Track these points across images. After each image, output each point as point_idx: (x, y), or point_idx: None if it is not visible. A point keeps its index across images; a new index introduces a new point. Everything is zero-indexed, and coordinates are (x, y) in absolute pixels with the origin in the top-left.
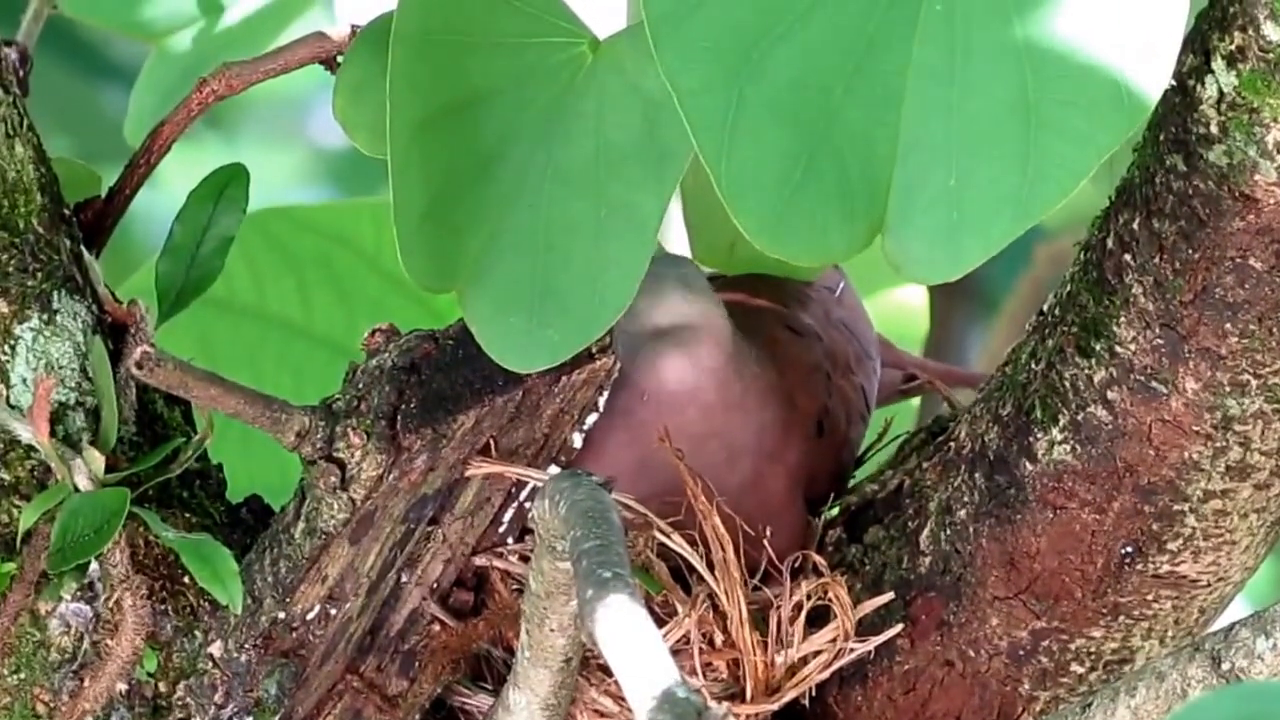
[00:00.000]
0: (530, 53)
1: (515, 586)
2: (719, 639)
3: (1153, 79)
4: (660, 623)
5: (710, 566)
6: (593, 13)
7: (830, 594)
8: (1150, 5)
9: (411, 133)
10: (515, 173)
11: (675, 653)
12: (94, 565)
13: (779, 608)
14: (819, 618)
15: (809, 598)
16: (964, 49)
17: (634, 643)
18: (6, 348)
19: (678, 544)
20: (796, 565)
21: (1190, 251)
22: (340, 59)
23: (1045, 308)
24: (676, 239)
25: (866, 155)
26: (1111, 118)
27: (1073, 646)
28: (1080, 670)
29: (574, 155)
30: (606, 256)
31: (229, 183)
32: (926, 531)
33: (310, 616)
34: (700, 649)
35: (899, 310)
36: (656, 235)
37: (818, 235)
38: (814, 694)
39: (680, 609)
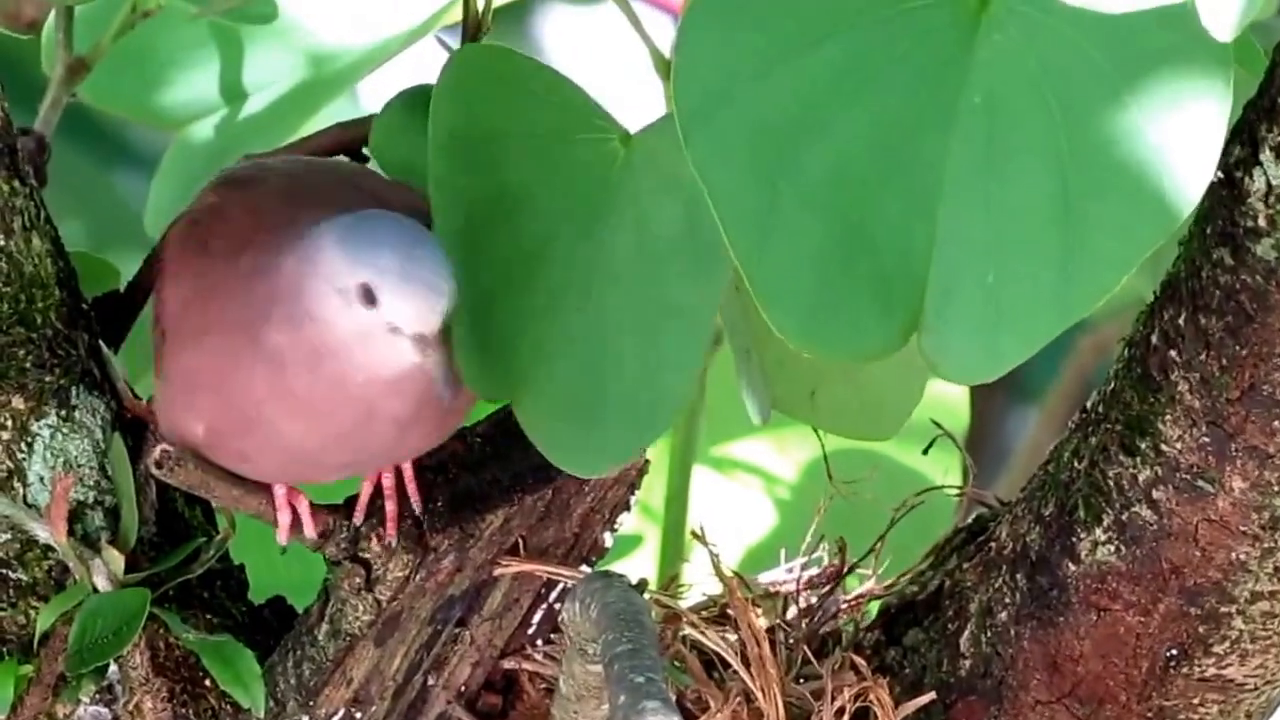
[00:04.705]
0: (562, 149)
1: (544, 686)
2: None
3: (1196, 175)
4: (693, 718)
5: (746, 663)
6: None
7: (872, 696)
8: (1193, 99)
9: (451, 239)
10: (559, 272)
11: None
12: (113, 667)
13: (820, 712)
14: (856, 717)
15: (854, 700)
16: (1003, 142)
17: None
18: (24, 445)
19: (712, 639)
20: (837, 667)
21: (1237, 347)
22: (367, 150)
23: (1089, 405)
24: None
25: (904, 250)
26: (1154, 214)
27: None
28: None
29: (617, 252)
30: (661, 356)
31: None
32: (967, 634)
33: None
34: None
35: (939, 401)
36: (711, 328)
37: (853, 333)
38: None
39: (713, 704)
